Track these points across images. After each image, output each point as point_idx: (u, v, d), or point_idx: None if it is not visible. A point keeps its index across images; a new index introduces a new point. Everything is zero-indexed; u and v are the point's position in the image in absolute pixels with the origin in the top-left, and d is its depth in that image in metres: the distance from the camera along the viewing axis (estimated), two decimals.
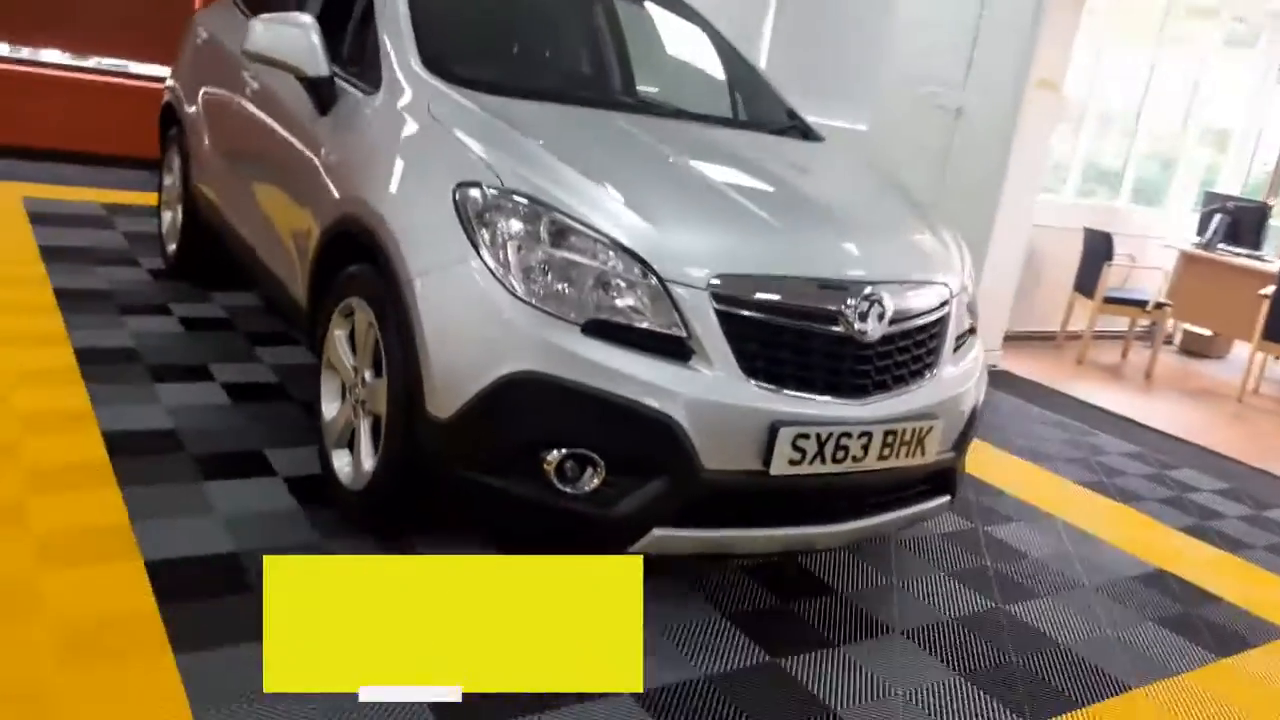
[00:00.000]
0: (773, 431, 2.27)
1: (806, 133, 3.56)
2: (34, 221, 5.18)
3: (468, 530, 2.78)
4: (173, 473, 2.84)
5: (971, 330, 2.91)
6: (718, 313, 2.29)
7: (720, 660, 2.43)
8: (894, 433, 2.45)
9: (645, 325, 2.26)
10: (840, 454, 2.37)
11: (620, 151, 2.78)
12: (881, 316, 2.45)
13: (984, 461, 4.12)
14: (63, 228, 5.19)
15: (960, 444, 2.75)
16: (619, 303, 2.27)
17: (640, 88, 3.79)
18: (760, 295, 2.34)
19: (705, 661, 2.41)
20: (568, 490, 2.26)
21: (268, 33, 2.95)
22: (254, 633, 2.08)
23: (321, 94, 2.99)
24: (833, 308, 2.40)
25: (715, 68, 3.83)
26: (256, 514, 2.71)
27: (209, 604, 2.28)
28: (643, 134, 2.94)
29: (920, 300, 2.60)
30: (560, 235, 2.29)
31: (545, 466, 2.24)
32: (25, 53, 7.10)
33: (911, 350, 2.57)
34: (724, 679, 2.35)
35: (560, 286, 2.26)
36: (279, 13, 3.09)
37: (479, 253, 2.28)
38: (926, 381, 2.59)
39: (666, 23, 4.12)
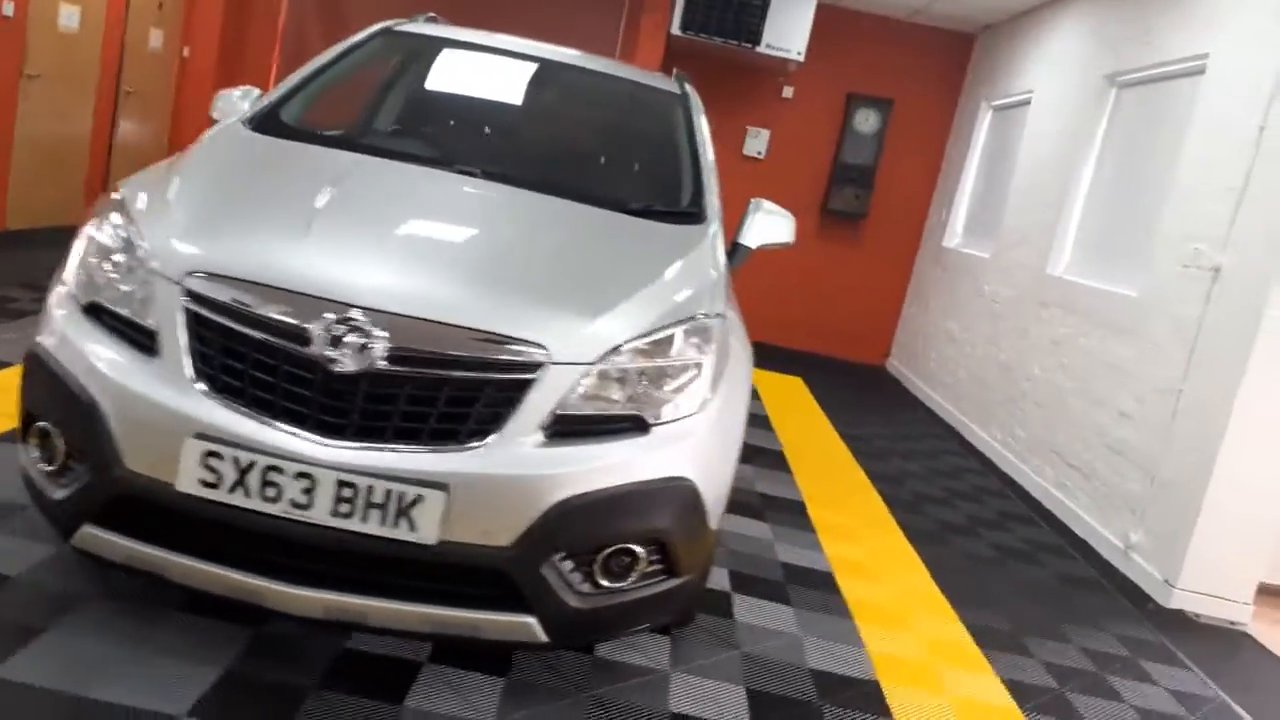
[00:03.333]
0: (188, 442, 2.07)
1: (693, 216, 3.12)
2: None
3: None
4: None
5: (639, 425, 2.29)
6: (187, 310, 2.18)
7: None
8: (352, 486, 2.05)
9: (125, 312, 2.25)
10: (271, 491, 2.05)
11: (328, 192, 2.74)
12: (368, 349, 2.09)
13: None
14: None
15: (533, 544, 2.15)
16: (119, 289, 2.28)
17: (551, 160, 3.59)
18: (232, 298, 2.17)
19: None
20: (42, 466, 2.28)
21: None
22: None
23: None
24: (303, 325, 2.12)
25: (648, 153, 3.52)
26: None
27: None
28: (417, 188, 2.87)
29: (467, 350, 2.16)
30: (115, 238, 2.38)
31: (30, 438, 2.31)
32: None
33: (437, 404, 2.13)
34: None
35: (89, 275, 2.35)
36: None
37: None
38: (459, 448, 2.12)
39: (627, 105, 3.87)
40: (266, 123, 3.10)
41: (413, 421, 2.13)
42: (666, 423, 2.35)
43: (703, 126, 3.57)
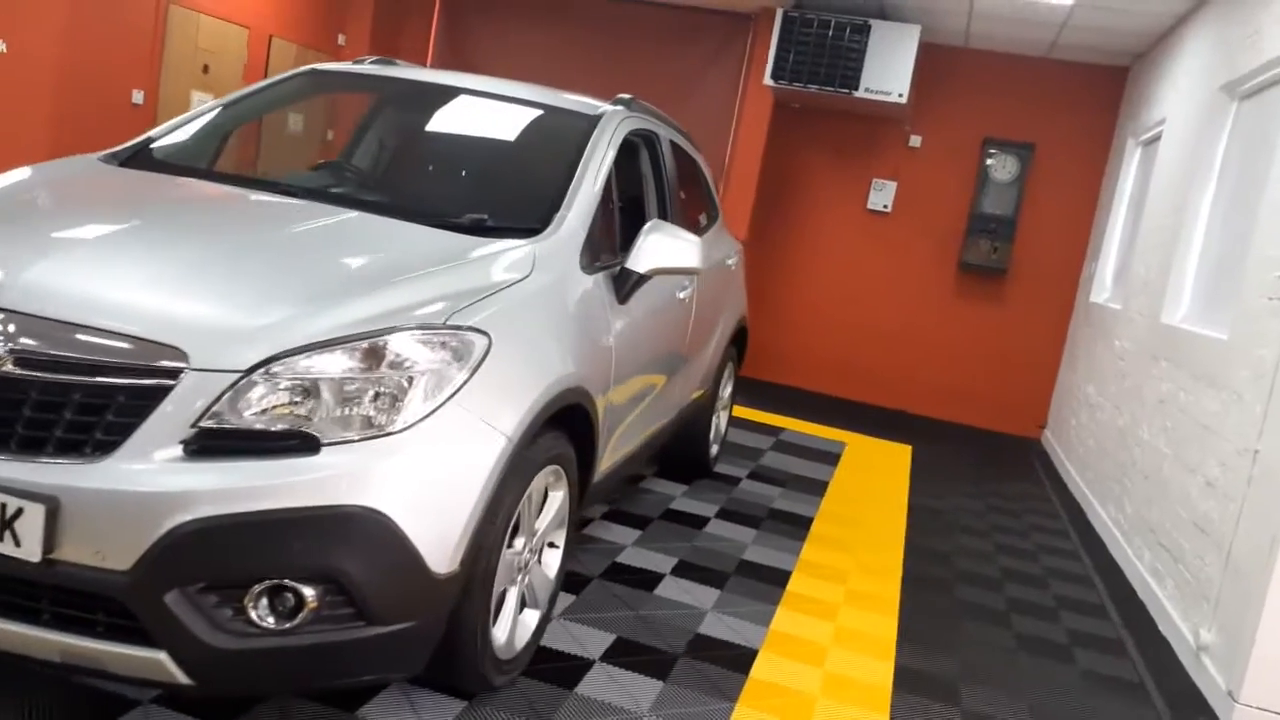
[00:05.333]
0: None
1: (530, 231, 2.83)
2: None
3: None
4: None
5: (309, 443, 2.04)
6: None
7: None
8: None
9: None
10: None
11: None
12: None
13: None
14: None
15: (154, 570, 1.93)
16: None
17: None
18: None
19: None
20: None
21: None
22: None
23: None
24: None
25: (522, 173, 3.26)
26: None
27: None
28: (189, 204, 2.82)
29: (97, 354, 2.00)
30: None
31: None
32: None
33: (64, 411, 1.98)
34: None
35: None
36: None
37: None
38: (77, 459, 1.96)
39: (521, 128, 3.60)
40: (134, 155, 3.15)
41: (38, 429, 1.99)
42: (349, 442, 2.08)
43: (600, 146, 3.29)
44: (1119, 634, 4.01)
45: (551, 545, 2.93)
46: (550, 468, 2.70)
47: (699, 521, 4.40)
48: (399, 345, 2.20)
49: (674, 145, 4.31)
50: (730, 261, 4.91)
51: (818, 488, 5.36)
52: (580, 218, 3.00)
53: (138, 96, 6.92)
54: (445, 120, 3.57)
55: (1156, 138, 6.46)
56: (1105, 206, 7.61)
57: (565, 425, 2.80)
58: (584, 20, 8.62)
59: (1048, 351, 8.09)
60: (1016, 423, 8.17)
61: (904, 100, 7.00)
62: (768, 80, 7.21)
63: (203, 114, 3.43)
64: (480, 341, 2.33)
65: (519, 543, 2.65)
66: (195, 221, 2.65)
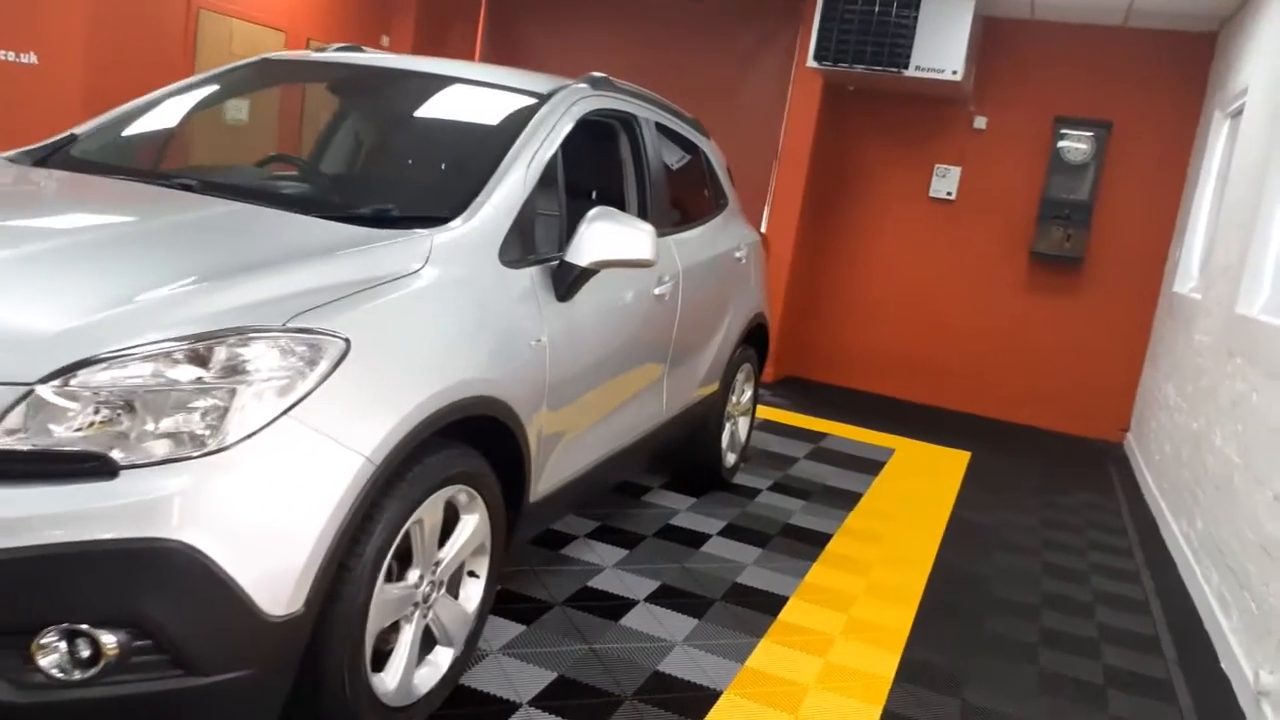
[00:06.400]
0: None
1: (436, 221, 2.53)
2: None
3: None
4: None
5: (106, 466, 1.77)
6: None
7: None
8: None
9: None
10: None
11: None
12: None
13: None
14: None
15: None
16: None
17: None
18: None
19: None
20: None
21: None
22: None
23: None
24: None
25: (444, 158, 2.94)
26: None
27: None
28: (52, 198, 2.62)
29: None
30: None
31: None
32: None
33: None
34: None
35: None
36: None
37: None
38: None
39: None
40: (52, 153, 2.98)
41: None
42: (158, 464, 1.81)
43: (542, 128, 2.96)
44: (1169, 673, 3.48)
45: (472, 575, 2.63)
46: (453, 489, 2.39)
47: (697, 539, 4.03)
48: (229, 351, 1.91)
49: (664, 129, 3.96)
50: (739, 254, 4.51)
51: (848, 500, 4.92)
52: (504, 206, 2.68)
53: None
54: (383, 106, 3.33)
55: (1242, 109, 5.79)
56: (1191, 187, 6.91)
57: (480, 439, 2.50)
58: (633, 12, 8.32)
59: (1130, 347, 7.41)
60: (1096, 426, 7.52)
61: (958, 78, 6.47)
62: (811, 62, 6.76)
63: (140, 109, 3.24)
64: (333, 346, 2.03)
65: (413, 575, 2.35)
66: (51, 220, 2.43)
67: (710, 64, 8.07)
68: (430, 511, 2.33)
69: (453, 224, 2.54)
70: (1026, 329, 7.62)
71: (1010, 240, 7.58)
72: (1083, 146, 7.28)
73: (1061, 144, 7.32)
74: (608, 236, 2.81)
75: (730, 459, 4.78)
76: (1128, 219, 7.32)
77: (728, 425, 4.68)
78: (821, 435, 6.20)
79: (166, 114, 3.31)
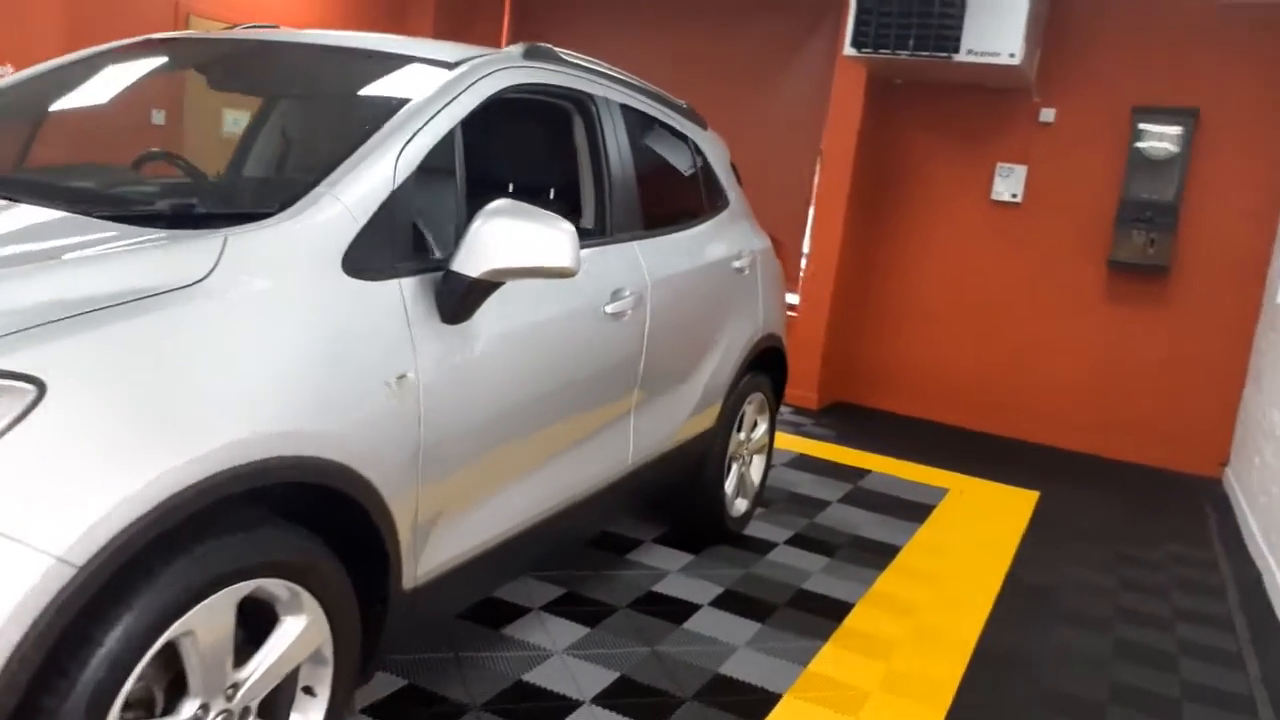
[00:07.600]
0: None
1: (252, 217, 1.87)
2: None
3: None
4: None
5: None
6: None
7: None
8: None
9: None
10: None
11: None
12: None
13: None
14: None
15: None
16: None
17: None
18: None
19: None
20: None
21: None
22: None
23: None
24: None
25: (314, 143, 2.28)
26: None
27: None
28: None
29: None
30: None
31: None
32: None
33: None
34: None
35: None
36: None
37: None
38: None
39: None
40: None
41: None
42: None
43: (429, 106, 2.29)
44: None
45: (308, 692, 1.96)
46: (253, 583, 1.73)
47: (679, 614, 3.31)
48: None
49: (637, 115, 3.28)
50: (739, 263, 3.78)
51: (881, 556, 4.14)
52: (356, 199, 2.01)
53: (158, 116, 6.44)
54: (263, 87, 2.75)
55: None
56: None
57: (310, 513, 1.85)
58: (664, 6, 7.70)
59: (1227, 367, 6.44)
60: (1188, 458, 6.55)
61: (1015, 60, 5.64)
62: (848, 50, 6.01)
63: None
64: (10, 393, 1.39)
65: (189, 707, 1.69)
66: None
67: (747, 58, 7.41)
68: (208, 619, 1.66)
69: (266, 221, 1.88)
70: (1105, 348, 6.70)
71: (1084, 248, 6.68)
72: (1166, 138, 6.37)
73: (1141, 137, 6.41)
74: (510, 238, 2.13)
75: (739, 506, 4.05)
76: (1220, 221, 6.37)
77: (734, 467, 3.95)
78: (863, 473, 5.40)
79: (29, 107, 2.76)
